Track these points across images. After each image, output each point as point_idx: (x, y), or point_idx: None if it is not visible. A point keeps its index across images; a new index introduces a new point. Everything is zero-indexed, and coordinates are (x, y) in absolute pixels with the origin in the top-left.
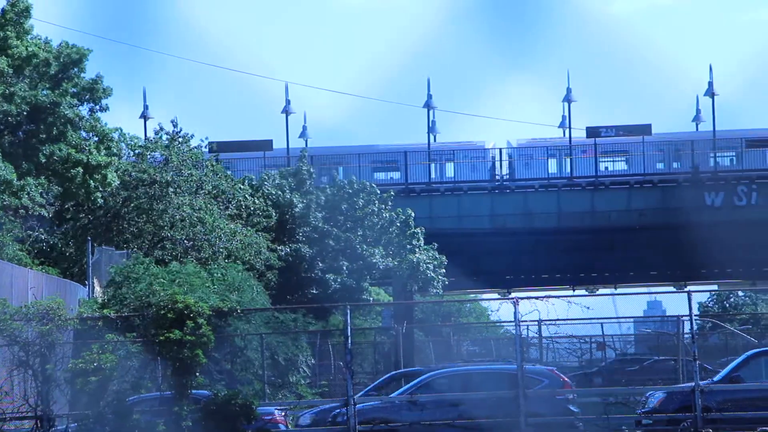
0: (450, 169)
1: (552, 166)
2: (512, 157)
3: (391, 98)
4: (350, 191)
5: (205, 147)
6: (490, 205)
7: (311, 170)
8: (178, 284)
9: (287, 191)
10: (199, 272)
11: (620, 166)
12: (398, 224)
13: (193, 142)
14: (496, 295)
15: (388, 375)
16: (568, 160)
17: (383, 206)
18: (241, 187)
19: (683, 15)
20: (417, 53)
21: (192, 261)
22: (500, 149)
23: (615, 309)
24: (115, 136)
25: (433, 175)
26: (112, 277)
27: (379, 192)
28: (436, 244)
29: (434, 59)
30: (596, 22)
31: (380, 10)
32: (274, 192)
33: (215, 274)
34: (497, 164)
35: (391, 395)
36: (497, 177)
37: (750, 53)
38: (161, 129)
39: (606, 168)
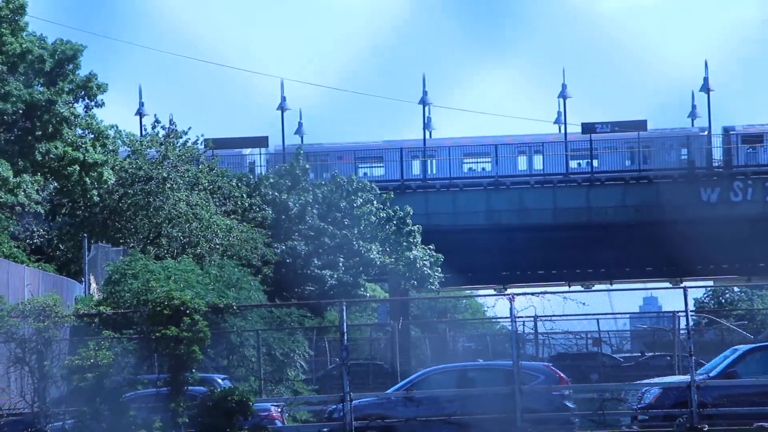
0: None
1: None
2: (269, 163)
3: (388, 94)
4: (349, 189)
5: (201, 143)
6: (486, 202)
7: (306, 167)
8: (174, 281)
9: (284, 191)
10: (194, 269)
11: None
12: (395, 221)
13: (189, 137)
14: (491, 292)
15: None
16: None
17: (381, 206)
18: (238, 185)
19: (666, 14)
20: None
21: (188, 257)
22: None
23: (611, 305)
24: (111, 133)
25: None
26: (109, 274)
27: (378, 191)
28: (433, 246)
29: (430, 57)
30: (587, 19)
31: (376, 7)
32: (270, 192)
33: (211, 271)
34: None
35: (387, 391)
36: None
37: (737, 51)
38: (157, 122)
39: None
